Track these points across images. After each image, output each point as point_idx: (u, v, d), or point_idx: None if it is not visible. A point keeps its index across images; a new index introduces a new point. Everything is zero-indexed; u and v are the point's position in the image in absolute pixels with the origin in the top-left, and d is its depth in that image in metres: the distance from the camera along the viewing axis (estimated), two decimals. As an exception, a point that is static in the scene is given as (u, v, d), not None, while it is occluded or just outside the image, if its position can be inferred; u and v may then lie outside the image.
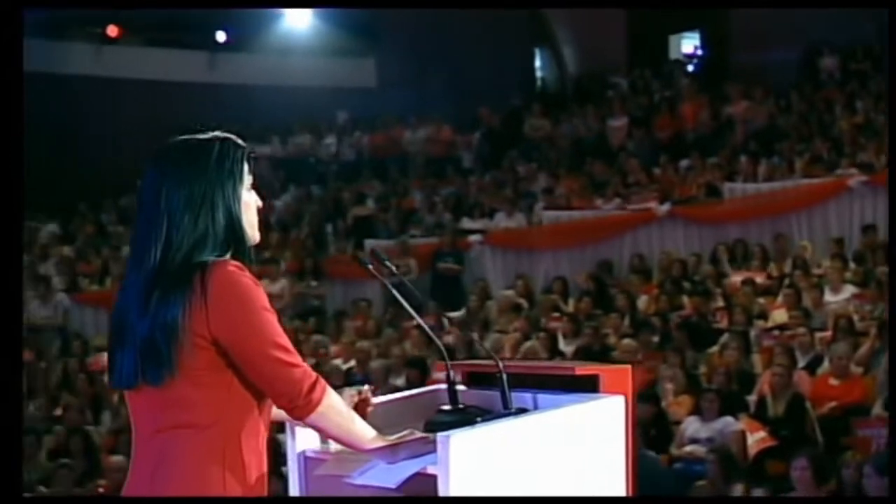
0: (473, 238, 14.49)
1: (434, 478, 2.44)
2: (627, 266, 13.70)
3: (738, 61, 18.30)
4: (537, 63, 22.75)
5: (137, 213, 2.63)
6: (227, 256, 2.60)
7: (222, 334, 2.48)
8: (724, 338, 10.17)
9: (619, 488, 2.76)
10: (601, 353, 10.33)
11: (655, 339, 10.61)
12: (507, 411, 2.75)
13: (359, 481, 2.67)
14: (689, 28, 21.44)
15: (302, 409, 2.53)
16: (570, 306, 12.71)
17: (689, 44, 21.86)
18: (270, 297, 10.43)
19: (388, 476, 2.59)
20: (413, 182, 17.21)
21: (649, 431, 8.47)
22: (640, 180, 14.99)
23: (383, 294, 14.21)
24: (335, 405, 2.58)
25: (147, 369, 2.51)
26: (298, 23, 20.59)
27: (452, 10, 19.28)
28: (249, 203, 2.67)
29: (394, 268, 3.02)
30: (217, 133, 2.67)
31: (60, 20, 18.77)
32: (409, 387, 10.52)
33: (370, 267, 3.01)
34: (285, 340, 2.53)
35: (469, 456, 2.44)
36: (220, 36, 20.32)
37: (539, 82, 22.84)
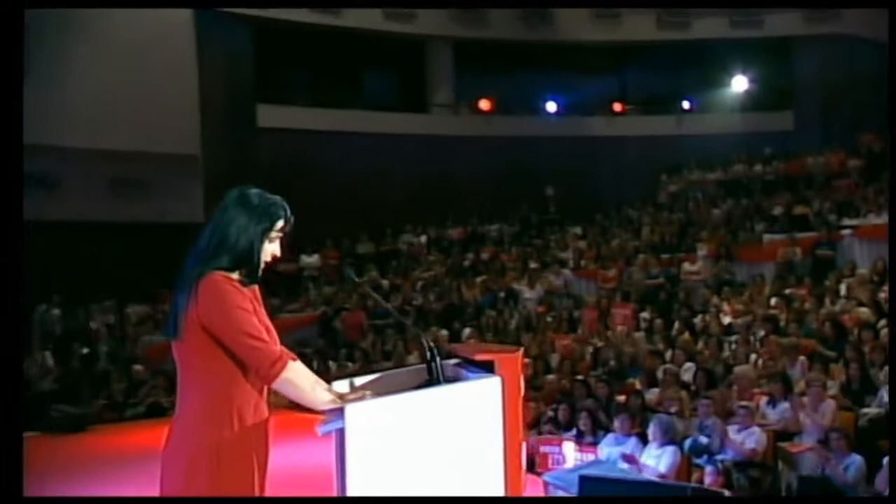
0: (845, 232, 13.70)
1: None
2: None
3: None
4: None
5: (211, 219, 2.57)
6: (235, 274, 2.51)
7: (206, 324, 2.43)
8: None
9: (495, 450, 2.54)
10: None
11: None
12: (437, 383, 2.69)
13: (317, 430, 2.63)
14: None
15: (266, 377, 2.46)
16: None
17: None
18: (690, 273, 11.02)
19: (323, 428, 2.58)
20: (813, 194, 16.40)
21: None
22: None
23: (776, 270, 13.92)
24: (293, 378, 2.46)
25: (170, 326, 2.53)
26: (740, 86, 20.44)
27: (853, 71, 18.06)
28: (267, 250, 2.57)
29: (357, 279, 3.29)
30: (279, 197, 2.60)
31: (580, 103, 20.35)
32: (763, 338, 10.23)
33: (355, 278, 3.34)
34: (254, 329, 2.44)
35: (362, 419, 2.42)
36: (686, 104, 20.72)
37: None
